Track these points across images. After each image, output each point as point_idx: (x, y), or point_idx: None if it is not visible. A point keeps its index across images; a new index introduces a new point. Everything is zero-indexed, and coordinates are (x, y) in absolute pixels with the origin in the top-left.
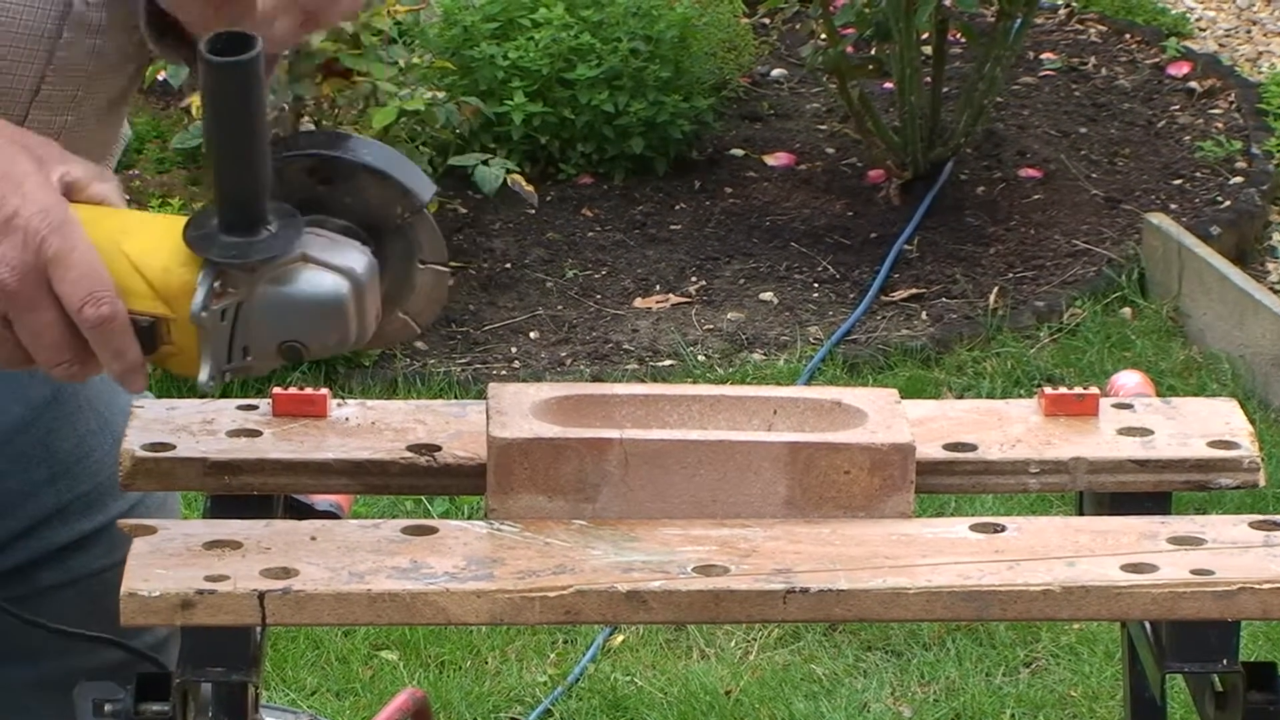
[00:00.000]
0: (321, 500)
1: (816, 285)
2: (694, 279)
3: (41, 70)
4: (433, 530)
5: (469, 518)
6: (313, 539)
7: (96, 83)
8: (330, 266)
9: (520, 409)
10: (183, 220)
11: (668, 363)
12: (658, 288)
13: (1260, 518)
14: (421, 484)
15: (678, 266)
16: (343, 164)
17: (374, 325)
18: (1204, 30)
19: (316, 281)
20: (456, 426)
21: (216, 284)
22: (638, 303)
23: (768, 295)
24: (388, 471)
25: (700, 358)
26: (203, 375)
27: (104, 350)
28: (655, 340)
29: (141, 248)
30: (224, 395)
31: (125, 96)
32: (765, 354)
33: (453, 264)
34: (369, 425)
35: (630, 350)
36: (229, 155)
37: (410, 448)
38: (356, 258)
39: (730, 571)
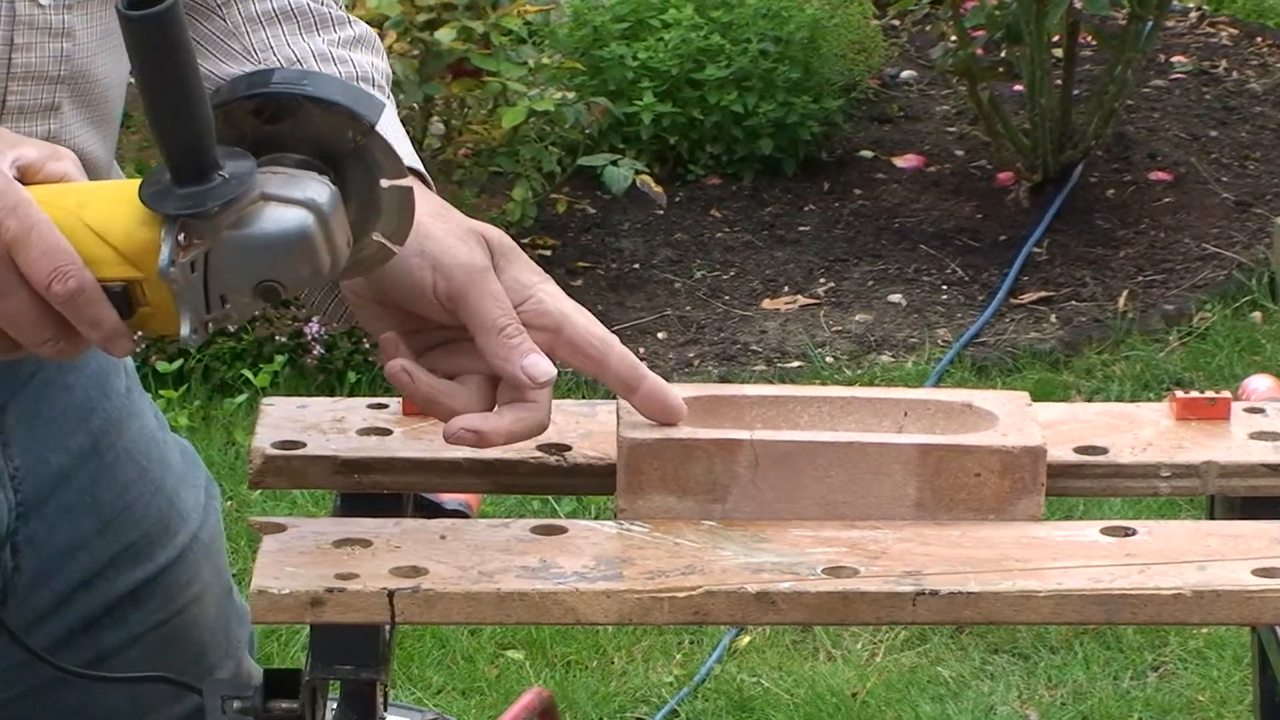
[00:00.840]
0: (450, 499)
1: (945, 287)
2: (822, 280)
3: (3, 80)
4: (562, 530)
5: (596, 518)
6: (442, 538)
7: (74, 88)
8: (291, 200)
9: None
10: (138, 182)
11: (796, 364)
12: (786, 289)
13: None
14: (551, 483)
15: (806, 268)
16: (286, 99)
17: (346, 252)
18: None
19: (279, 218)
20: (586, 426)
21: (180, 237)
22: (766, 304)
23: (896, 297)
24: (517, 471)
25: (828, 359)
26: (184, 330)
27: (80, 322)
28: (783, 341)
29: (102, 215)
30: (353, 394)
31: (117, 105)
32: (893, 356)
33: (581, 264)
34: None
35: (758, 351)
36: (166, 108)
37: (540, 447)
38: (316, 188)
39: (859, 573)
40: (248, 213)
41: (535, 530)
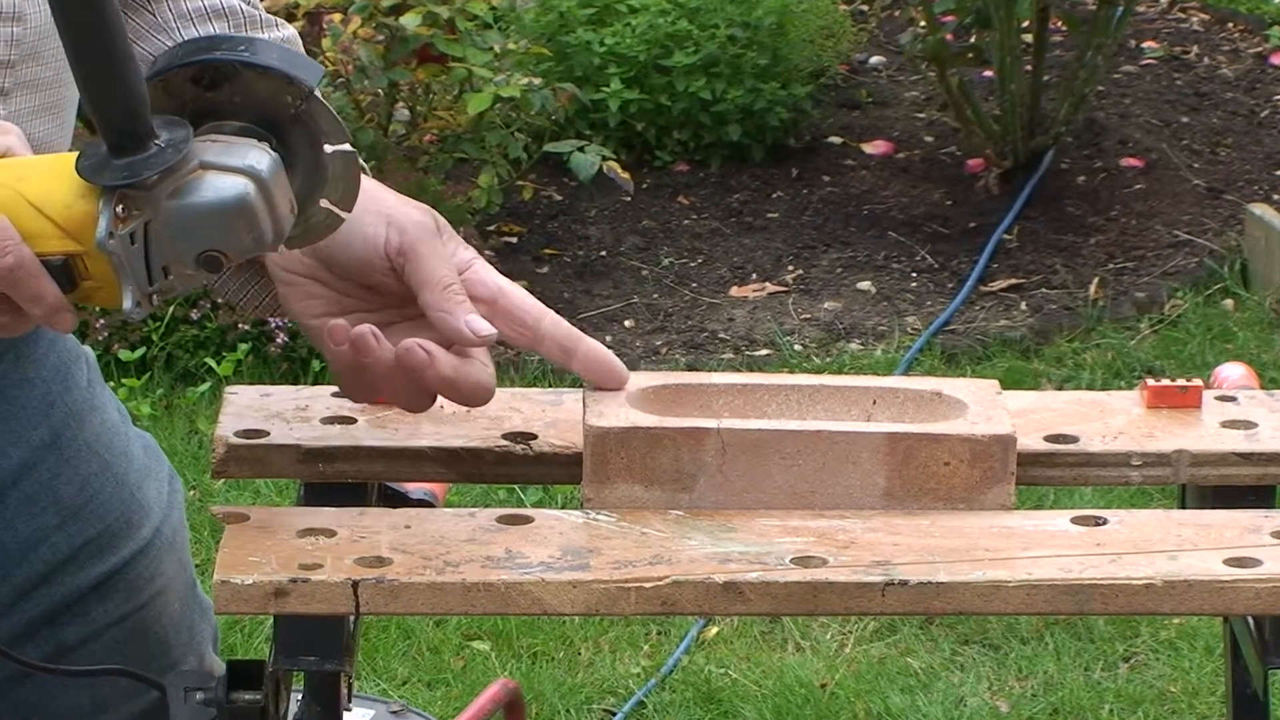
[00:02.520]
0: (416, 489)
1: (914, 275)
2: (791, 268)
3: None
4: (528, 520)
5: (563, 507)
6: (407, 527)
7: (24, 74)
8: (229, 169)
9: (617, 398)
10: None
11: (764, 352)
12: (754, 276)
13: None
14: (517, 473)
15: (774, 255)
16: (223, 65)
17: (290, 219)
18: None
19: (218, 186)
20: (552, 415)
21: (118, 209)
22: (734, 291)
23: (865, 284)
24: (483, 460)
25: (797, 347)
26: (126, 303)
27: (21, 298)
28: (751, 329)
29: (40, 189)
30: (317, 383)
31: (71, 94)
32: (862, 344)
33: (547, 251)
34: (464, 413)
35: (726, 339)
36: (96, 77)
37: (506, 436)
38: (255, 155)
39: (828, 563)
40: (186, 182)
41: (501, 520)
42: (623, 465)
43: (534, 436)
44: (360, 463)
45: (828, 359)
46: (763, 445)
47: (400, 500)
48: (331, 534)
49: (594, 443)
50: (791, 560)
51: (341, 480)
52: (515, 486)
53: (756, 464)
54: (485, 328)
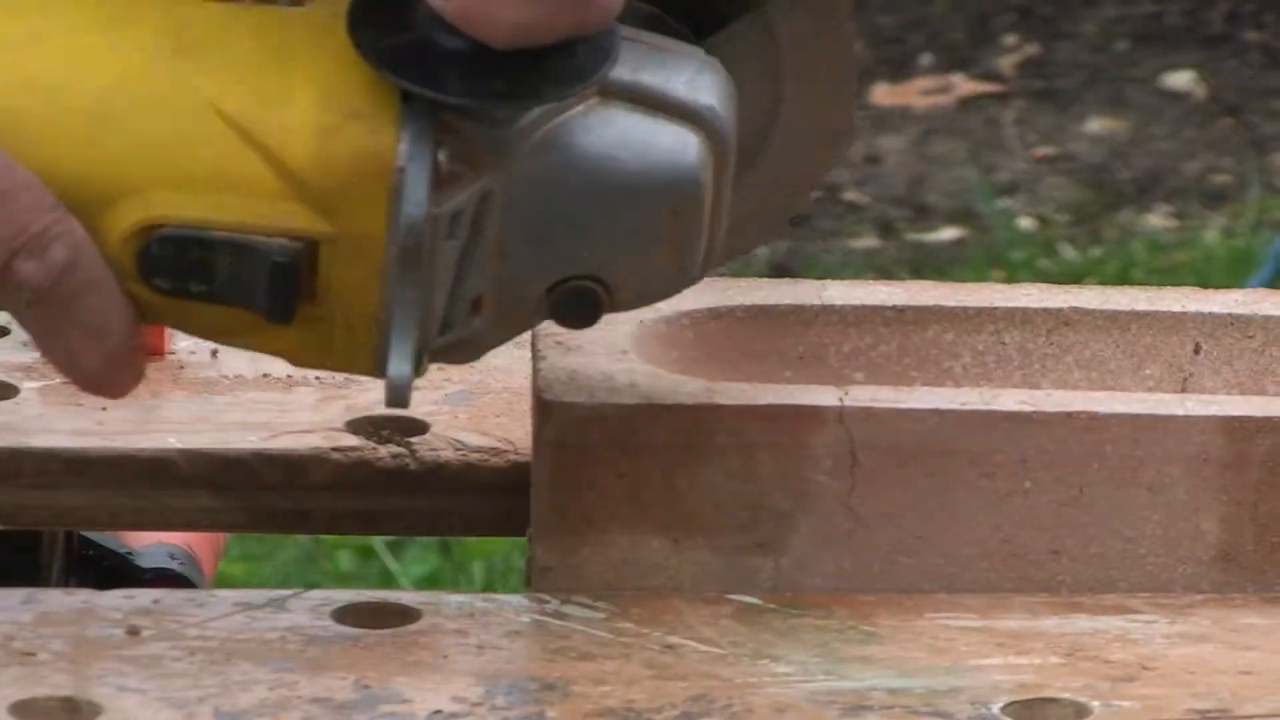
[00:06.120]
0: (153, 545)
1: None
2: (1009, 37)
3: None
4: (406, 613)
5: (487, 586)
6: (130, 634)
7: None
8: (669, 105)
9: (611, 338)
10: (329, 12)
11: (949, 233)
12: (925, 59)
13: None
14: (381, 508)
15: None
16: None
17: (723, 227)
18: None
19: (647, 139)
20: (463, 377)
21: (442, 156)
22: (883, 91)
23: (1183, 79)
24: (303, 480)
25: (1024, 222)
26: (393, 363)
27: (78, 321)
28: (920, 181)
29: (265, 88)
30: None
31: None
32: (1175, 209)
33: None
34: (259, 375)
35: (862, 203)
36: None
37: (356, 424)
38: (708, 81)
39: (1093, 714)
40: (575, 120)
41: (345, 616)
42: (623, 490)
43: (422, 426)
44: (27, 488)
45: (1095, 246)
46: (946, 446)
47: (120, 572)
48: None
49: (558, 436)
50: (1005, 710)
51: None
52: (377, 540)
53: (931, 489)
54: None
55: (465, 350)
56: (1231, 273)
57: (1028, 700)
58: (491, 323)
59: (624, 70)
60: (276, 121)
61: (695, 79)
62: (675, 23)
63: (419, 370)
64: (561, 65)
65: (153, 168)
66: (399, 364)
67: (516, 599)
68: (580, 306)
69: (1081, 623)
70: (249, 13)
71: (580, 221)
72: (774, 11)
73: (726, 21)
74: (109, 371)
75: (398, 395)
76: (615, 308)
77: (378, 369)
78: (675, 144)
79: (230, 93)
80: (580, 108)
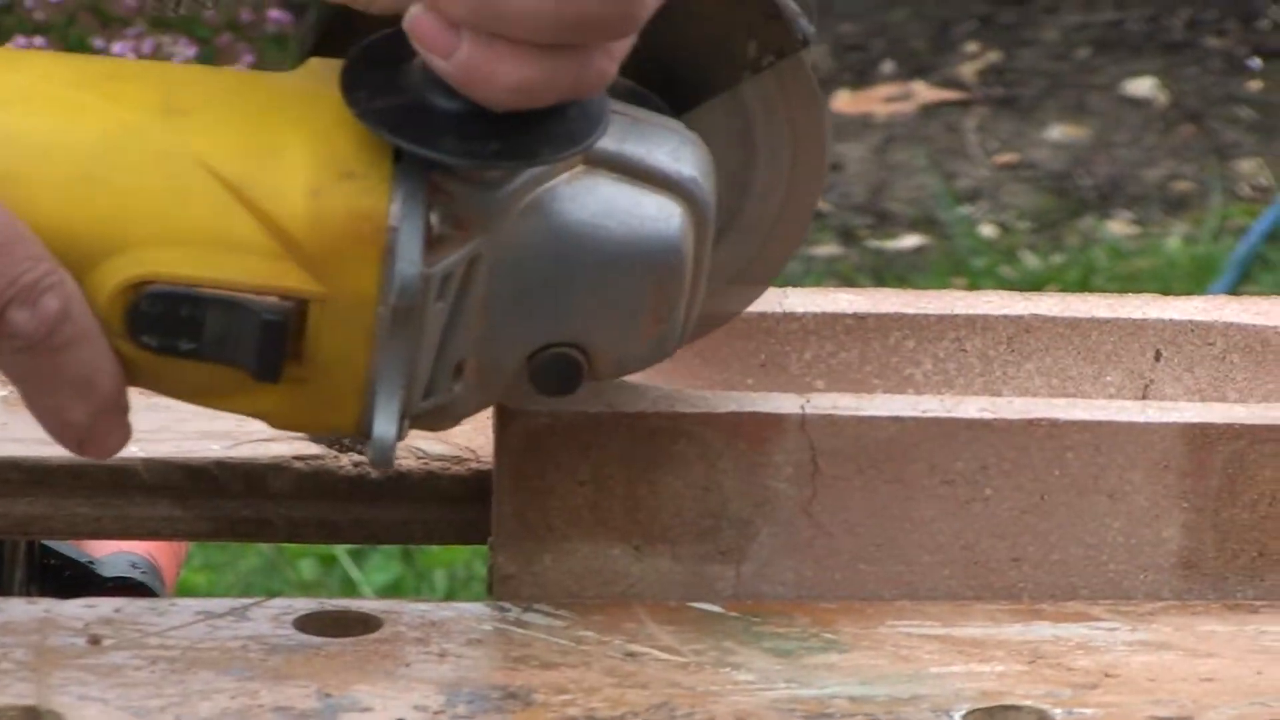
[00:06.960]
0: (114, 554)
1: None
2: (971, 44)
3: None
4: (368, 622)
5: (449, 594)
6: (92, 643)
7: None
8: (652, 176)
9: None
10: (320, 75)
11: (910, 240)
12: (886, 67)
13: None
14: (341, 517)
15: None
16: None
17: (701, 298)
18: None
19: (631, 209)
20: None
21: (434, 217)
22: (844, 97)
23: (1144, 85)
24: (265, 489)
25: (985, 229)
26: (379, 424)
27: (66, 377)
28: (881, 187)
29: (257, 147)
30: None
31: None
32: (1136, 216)
33: None
34: None
35: (827, 210)
36: None
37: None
38: (689, 154)
39: None
40: (557, 188)
41: (306, 625)
42: (585, 499)
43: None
44: None
45: (1056, 253)
46: (907, 453)
47: (79, 581)
48: None
49: (519, 448)
50: (967, 717)
51: None
52: (339, 548)
53: (892, 496)
54: None
55: (444, 416)
56: (1193, 279)
57: (989, 708)
58: (472, 388)
59: (609, 141)
60: (268, 180)
61: (678, 151)
62: (655, 98)
63: (401, 433)
64: (555, 128)
65: (143, 225)
66: (385, 424)
67: (478, 607)
68: (560, 374)
69: (1043, 630)
70: (239, 74)
71: (565, 288)
72: (748, 90)
73: (703, 98)
74: (96, 426)
75: (383, 456)
76: (594, 376)
77: (362, 429)
78: (659, 214)
79: (222, 151)
80: (565, 175)
